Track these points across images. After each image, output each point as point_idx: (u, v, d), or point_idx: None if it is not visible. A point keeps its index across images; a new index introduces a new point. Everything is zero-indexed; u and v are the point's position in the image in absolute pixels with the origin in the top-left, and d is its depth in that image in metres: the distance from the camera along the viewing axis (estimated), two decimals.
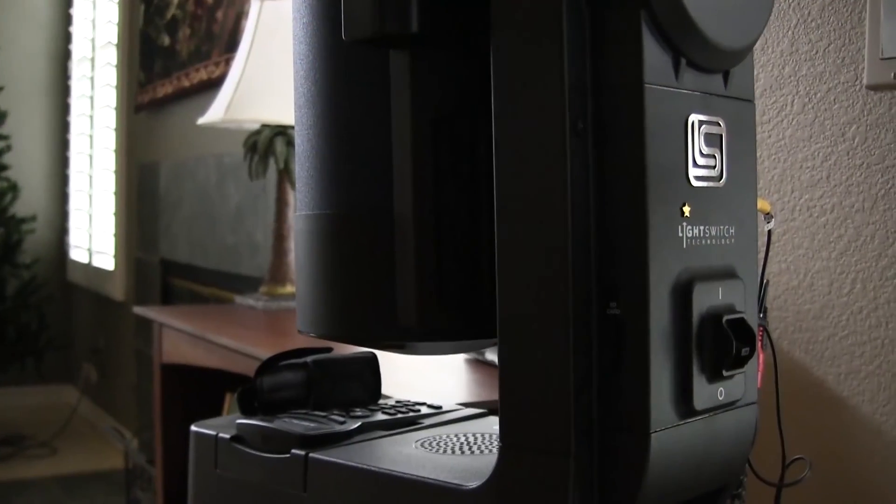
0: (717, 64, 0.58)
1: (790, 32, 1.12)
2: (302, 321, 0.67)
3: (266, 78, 1.87)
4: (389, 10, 0.57)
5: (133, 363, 3.78)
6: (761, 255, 0.62)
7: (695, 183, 0.56)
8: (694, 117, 0.56)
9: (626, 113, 0.54)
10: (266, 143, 1.97)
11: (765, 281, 0.66)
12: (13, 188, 4.13)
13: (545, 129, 0.54)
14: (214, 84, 2.95)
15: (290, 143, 1.98)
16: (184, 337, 1.79)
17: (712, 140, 0.57)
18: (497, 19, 0.55)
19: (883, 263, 1.02)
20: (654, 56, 0.54)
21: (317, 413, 0.76)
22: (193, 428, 0.78)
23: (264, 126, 2.00)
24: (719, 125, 0.58)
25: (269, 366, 0.80)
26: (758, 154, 1.14)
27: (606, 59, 0.54)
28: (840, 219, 1.06)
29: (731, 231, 0.59)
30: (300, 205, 0.66)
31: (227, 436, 0.74)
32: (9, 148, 4.11)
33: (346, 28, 0.58)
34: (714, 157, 0.58)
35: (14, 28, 4.65)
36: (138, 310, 2.17)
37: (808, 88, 1.10)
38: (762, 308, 0.66)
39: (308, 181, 0.65)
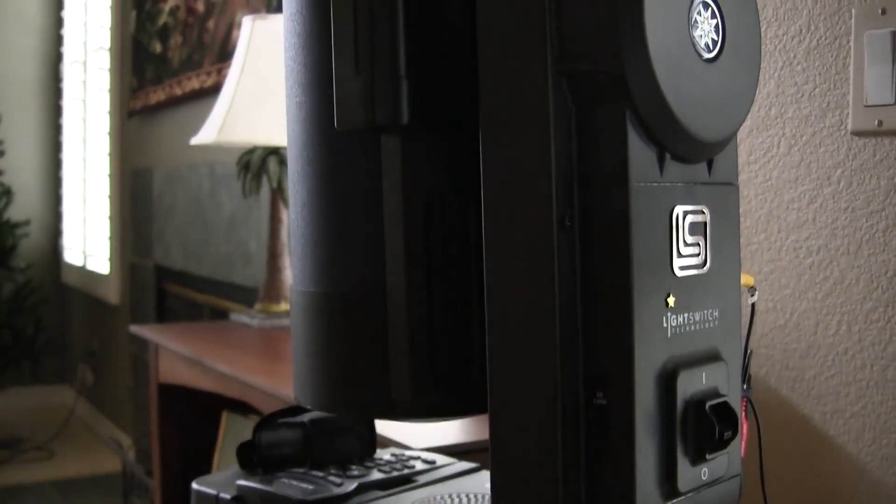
0: (701, 155, 0.60)
1: (776, 74, 1.14)
2: (298, 392, 0.69)
3: (257, 98, 1.88)
4: (380, 102, 0.59)
5: (129, 367, 3.79)
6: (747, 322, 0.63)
7: (679, 273, 0.58)
8: (679, 209, 0.58)
9: (612, 209, 0.55)
10: (259, 163, 1.99)
11: (748, 352, 0.68)
12: (7, 192, 4.14)
13: (533, 224, 0.55)
14: (207, 93, 2.96)
15: (282, 163, 2.00)
16: (180, 358, 1.81)
17: (696, 228, 0.59)
18: (485, 114, 0.57)
19: (867, 306, 1.04)
20: (639, 153, 0.56)
21: (315, 473, 0.78)
22: (194, 486, 0.80)
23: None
24: (703, 213, 0.60)
25: (268, 423, 0.82)
26: (745, 193, 1.17)
27: (593, 155, 0.56)
28: (826, 261, 1.08)
29: (715, 314, 0.61)
30: (295, 279, 0.68)
31: (228, 496, 0.76)
32: (2, 153, 4.12)
33: (338, 117, 0.60)
34: (698, 244, 0.59)
35: (4, 30, 4.65)
36: (135, 329, 2.18)
37: (794, 130, 1.12)
38: (746, 378, 0.68)
39: (302, 258, 0.67)
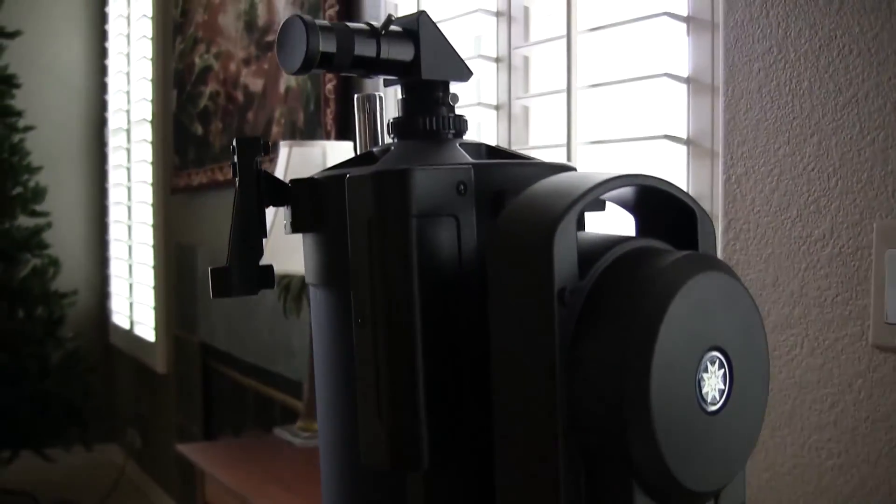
0: (702, 499, 0.64)
1: (800, 275, 1.17)
2: None
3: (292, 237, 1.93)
4: (402, 449, 0.64)
5: (175, 438, 3.87)
6: None
7: None
8: None
9: None
10: (298, 287, 2.04)
11: None
12: (54, 263, 4.23)
13: None
14: None
15: None
16: (226, 490, 1.86)
17: None
18: (501, 462, 0.61)
19: None
20: None
21: None
22: None
23: None
24: None
25: None
26: (769, 387, 1.20)
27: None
28: (846, 465, 1.11)
29: None
30: None
31: None
32: (49, 225, 4.22)
33: (364, 455, 0.65)
34: None
35: (51, 95, 4.76)
36: (182, 448, 2.24)
37: (816, 333, 1.15)
38: None
39: None
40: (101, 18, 4.84)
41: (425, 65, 0.78)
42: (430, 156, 0.75)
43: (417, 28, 0.78)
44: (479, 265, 0.67)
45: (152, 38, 4.04)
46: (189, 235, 3.75)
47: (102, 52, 4.81)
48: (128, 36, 4.36)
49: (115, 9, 4.60)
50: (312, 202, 0.76)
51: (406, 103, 0.79)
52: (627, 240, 0.66)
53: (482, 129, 2.13)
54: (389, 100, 2.21)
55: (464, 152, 0.76)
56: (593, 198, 0.63)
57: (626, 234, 0.68)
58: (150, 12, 4.06)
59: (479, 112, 1.96)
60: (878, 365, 1.09)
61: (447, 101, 0.79)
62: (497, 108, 1.87)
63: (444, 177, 0.67)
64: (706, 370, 0.62)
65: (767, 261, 1.22)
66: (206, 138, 3.45)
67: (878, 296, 1.08)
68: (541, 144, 1.80)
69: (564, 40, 1.65)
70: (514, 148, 1.81)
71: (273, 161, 2.61)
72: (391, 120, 0.80)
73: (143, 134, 4.17)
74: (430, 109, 0.79)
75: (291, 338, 2.74)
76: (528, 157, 0.79)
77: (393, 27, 0.79)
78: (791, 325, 1.18)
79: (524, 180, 0.72)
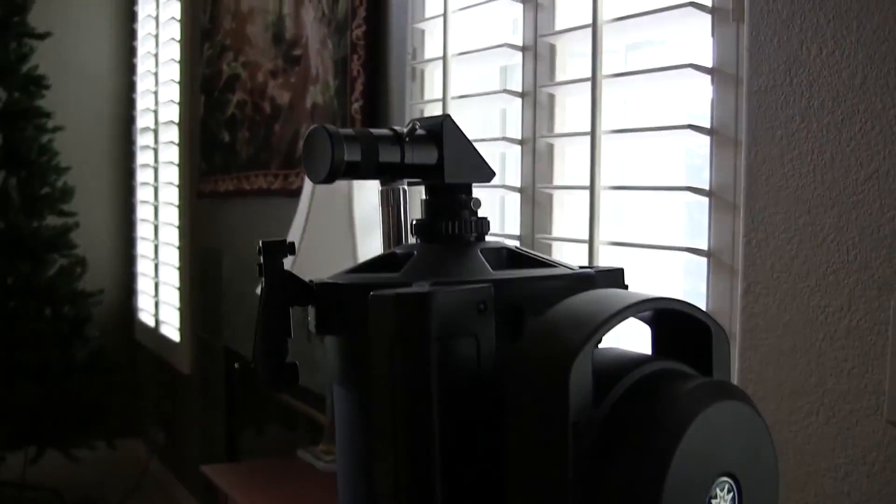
0: None
1: (817, 344, 1.18)
2: None
3: (320, 255, 1.96)
4: None
5: (199, 441, 3.92)
6: None
7: None
8: None
9: None
10: None
11: None
12: (81, 262, 4.28)
13: None
14: (274, 194, 3.06)
15: None
16: None
17: None
18: None
19: None
20: None
21: None
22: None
23: None
24: None
25: None
26: (784, 451, 1.21)
27: None
28: None
29: None
30: None
31: None
32: (76, 225, 4.26)
33: None
34: None
35: (78, 96, 4.80)
36: (206, 469, 2.27)
37: (832, 402, 1.16)
38: None
39: None
40: (129, 17, 4.88)
41: (448, 169, 0.80)
42: (452, 266, 0.77)
43: (441, 131, 0.80)
44: (496, 377, 0.69)
45: (180, 42, 4.07)
46: (215, 240, 3.78)
47: (131, 51, 4.85)
48: (156, 37, 4.39)
49: (143, 9, 4.64)
50: (336, 306, 0.78)
51: (429, 205, 0.81)
52: (644, 362, 0.67)
53: (507, 163, 2.14)
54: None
55: (484, 261, 0.77)
56: (610, 328, 0.65)
57: (642, 355, 0.69)
58: (178, 15, 4.09)
59: (503, 147, 1.97)
60: (893, 439, 1.10)
61: (469, 204, 0.81)
62: (522, 142, 1.88)
63: (465, 297, 0.69)
64: (716, 496, 0.64)
65: (786, 327, 1.23)
66: (234, 146, 3.47)
67: (894, 372, 1.09)
68: (563, 185, 1.82)
69: (589, 83, 1.66)
70: (540, 185, 1.83)
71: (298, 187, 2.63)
72: (414, 222, 0.82)
73: (171, 136, 4.21)
74: (453, 213, 0.81)
75: (316, 349, 2.76)
76: (549, 261, 0.81)
77: (418, 131, 0.81)
78: (807, 393, 1.19)
79: (544, 296, 0.74)
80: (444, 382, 0.66)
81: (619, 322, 0.65)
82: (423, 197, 0.82)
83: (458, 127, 0.80)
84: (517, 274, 0.75)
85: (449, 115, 0.81)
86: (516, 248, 0.82)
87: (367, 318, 0.69)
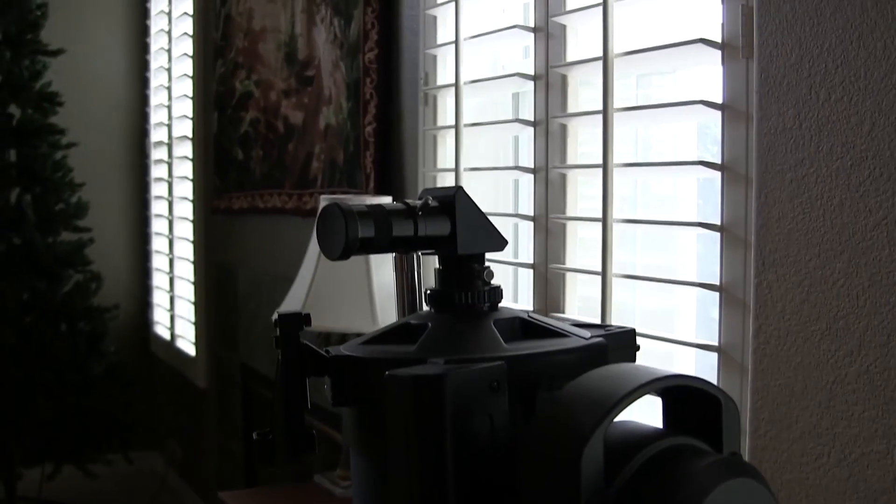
0: None
1: (828, 387, 1.19)
2: None
3: (333, 288, 1.97)
4: None
5: (216, 456, 3.94)
6: None
7: None
8: None
9: None
10: (339, 340, 2.08)
11: None
12: (97, 278, 4.30)
13: None
14: (288, 213, 3.08)
15: None
16: None
17: None
18: None
19: None
20: None
21: None
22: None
23: None
24: None
25: None
26: (797, 491, 1.22)
27: None
28: None
29: None
30: None
31: None
32: (91, 240, 4.29)
33: None
34: None
35: (92, 112, 4.82)
36: (224, 495, 2.29)
37: (843, 445, 1.17)
38: None
39: None
40: (142, 31, 4.90)
41: (461, 240, 0.81)
42: (465, 341, 0.78)
43: (454, 203, 0.81)
44: (510, 451, 0.70)
45: (193, 57, 4.09)
46: (230, 256, 3.81)
47: (144, 65, 4.88)
48: (169, 51, 4.41)
49: (156, 24, 4.66)
50: (352, 379, 0.80)
51: (442, 276, 0.83)
52: (655, 439, 0.69)
53: (520, 187, 2.16)
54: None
55: (497, 334, 0.79)
56: (621, 410, 0.67)
57: (653, 430, 0.71)
58: (190, 30, 4.11)
59: (516, 175, 1.99)
60: None
61: (483, 274, 0.83)
62: (535, 171, 1.89)
63: (479, 376, 0.71)
64: None
65: (797, 369, 1.24)
66: (247, 164, 3.50)
67: None
68: (576, 216, 1.83)
69: (601, 116, 1.67)
70: (553, 216, 1.84)
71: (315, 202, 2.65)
72: (428, 291, 0.83)
73: (184, 151, 4.23)
74: (466, 284, 0.82)
75: None
76: (561, 331, 0.82)
77: (430, 203, 0.82)
78: (819, 435, 1.21)
79: (556, 371, 0.76)
80: (459, 453, 0.68)
81: (631, 403, 0.67)
82: (437, 266, 0.83)
83: (469, 198, 0.82)
84: (530, 348, 0.77)
85: (461, 188, 0.82)
86: (529, 316, 0.83)
87: (383, 394, 0.70)
